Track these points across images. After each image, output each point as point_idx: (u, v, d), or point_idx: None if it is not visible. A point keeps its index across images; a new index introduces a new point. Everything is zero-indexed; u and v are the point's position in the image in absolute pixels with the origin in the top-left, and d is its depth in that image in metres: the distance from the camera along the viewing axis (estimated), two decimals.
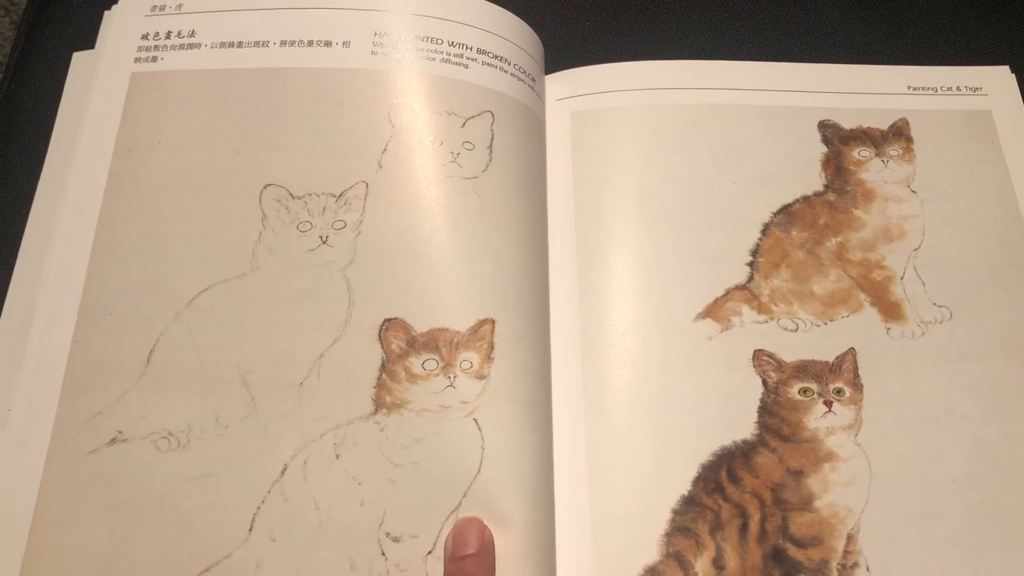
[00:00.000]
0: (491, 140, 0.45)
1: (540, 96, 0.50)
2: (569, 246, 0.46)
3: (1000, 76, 0.52)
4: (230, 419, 0.39)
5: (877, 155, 0.49)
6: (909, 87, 0.51)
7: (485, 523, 0.38)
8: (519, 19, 0.49)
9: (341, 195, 0.43)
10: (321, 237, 0.43)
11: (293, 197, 0.43)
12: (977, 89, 0.51)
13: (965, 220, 0.48)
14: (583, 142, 0.49)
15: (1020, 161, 0.49)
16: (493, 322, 0.41)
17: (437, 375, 0.40)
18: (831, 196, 0.48)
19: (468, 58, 0.47)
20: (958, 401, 0.43)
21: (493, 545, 0.37)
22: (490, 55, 0.47)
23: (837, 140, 0.50)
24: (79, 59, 0.48)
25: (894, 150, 0.49)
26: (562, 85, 0.51)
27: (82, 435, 0.39)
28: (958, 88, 0.51)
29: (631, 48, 0.52)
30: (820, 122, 0.50)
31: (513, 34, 0.49)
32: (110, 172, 0.44)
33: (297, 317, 0.41)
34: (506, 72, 0.47)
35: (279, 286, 0.42)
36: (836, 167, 0.49)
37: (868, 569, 0.40)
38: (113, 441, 0.39)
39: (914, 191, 0.49)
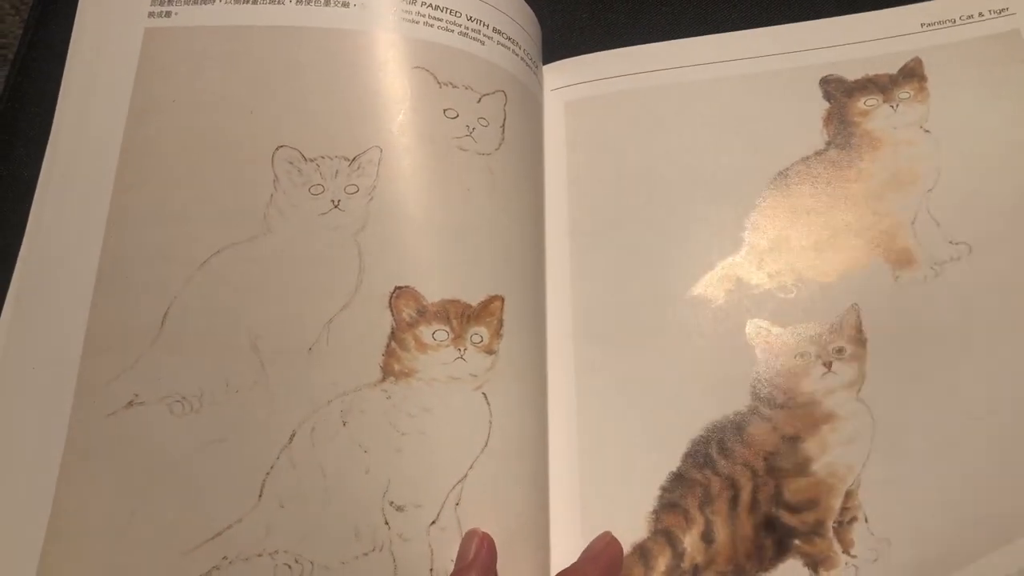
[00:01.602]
0: (503, 120, 0.45)
1: (540, 84, 0.49)
2: (562, 229, 0.46)
3: None
4: (240, 384, 0.39)
5: (885, 101, 0.47)
6: (922, 24, 0.48)
7: (488, 534, 0.38)
8: (526, 4, 0.48)
9: (355, 159, 0.43)
10: (333, 201, 0.42)
11: (306, 159, 0.43)
12: (1003, 10, 0.48)
13: (987, 150, 0.45)
14: (577, 130, 0.49)
15: None
16: (502, 299, 0.42)
17: (447, 346, 0.40)
18: (833, 153, 0.46)
19: (485, 35, 0.46)
20: (977, 335, 0.42)
21: (495, 555, 0.37)
22: (504, 35, 0.47)
23: (841, 94, 0.47)
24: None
25: (904, 93, 0.47)
26: (556, 75, 0.50)
27: (102, 398, 0.39)
28: (980, 14, 0.48)
29: (627, 39, 0.51)
30: (822, 78, 0.48)
31: (521, 18, 0.48)
32: (125, 133, 0.43)
33: (307, 281, 0.41)
34: (516, 55, 0.47)
35: (290, 249, 0.42)
36: (839, 121, 0.47)
37: (866, 520, 0.40)
38: (130, 404, 0.39)
39: (927, 131, 0.46)
